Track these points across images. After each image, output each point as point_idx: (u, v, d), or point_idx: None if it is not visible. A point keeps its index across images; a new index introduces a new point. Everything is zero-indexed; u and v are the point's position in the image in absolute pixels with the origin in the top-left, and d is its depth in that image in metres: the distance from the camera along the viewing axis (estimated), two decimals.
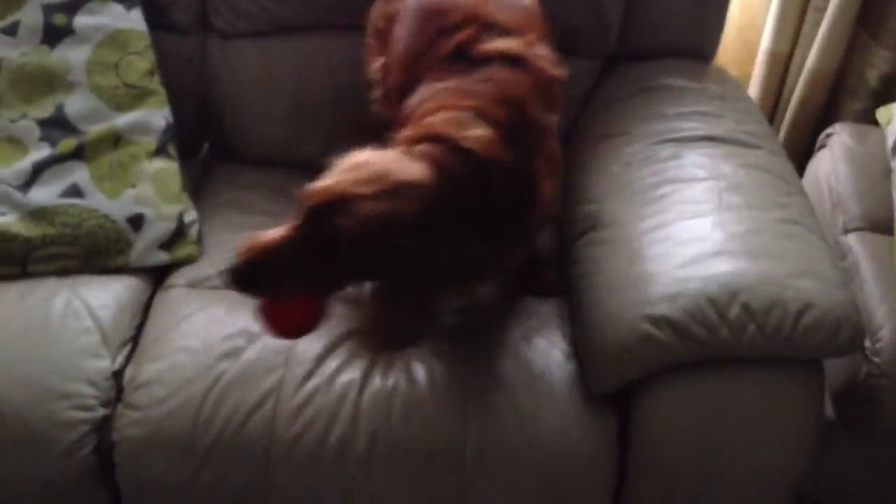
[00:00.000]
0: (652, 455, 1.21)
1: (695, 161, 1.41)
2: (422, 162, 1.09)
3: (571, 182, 1.53)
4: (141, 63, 1.56)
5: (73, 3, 1.53)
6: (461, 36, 1.26)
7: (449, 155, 1.11)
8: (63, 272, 1.45)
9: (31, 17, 1.52)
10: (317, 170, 1.10)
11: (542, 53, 1.27)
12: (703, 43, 1.70)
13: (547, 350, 1.32)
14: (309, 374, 1.32)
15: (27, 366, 1.31)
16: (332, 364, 1.33)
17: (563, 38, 1.63)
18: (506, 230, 1.17)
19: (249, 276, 1.08)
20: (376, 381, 1.30)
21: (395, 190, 1.06)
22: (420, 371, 1.30)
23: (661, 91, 1.57)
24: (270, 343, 1.35)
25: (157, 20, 1.63)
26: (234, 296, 1.38)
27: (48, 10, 1.52)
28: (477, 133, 1.12)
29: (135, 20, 1.57)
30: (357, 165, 1.08)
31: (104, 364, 1.34)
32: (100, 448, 1.31)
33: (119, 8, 1.55)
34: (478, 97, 1.17)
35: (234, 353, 1.33)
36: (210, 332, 1.37)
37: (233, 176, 1.72)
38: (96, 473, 1.32)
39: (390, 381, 1.29)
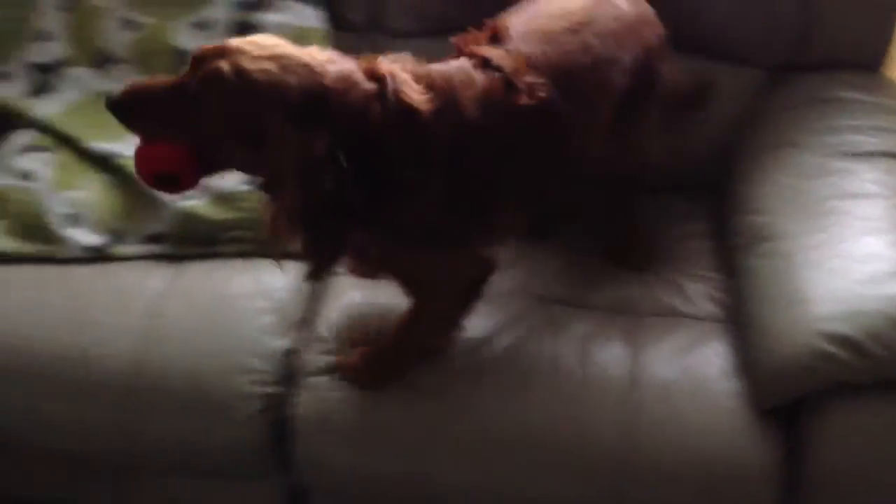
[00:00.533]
0: (825, 472, 1.22)
1: (869, 177, 1.39)
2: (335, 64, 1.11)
3: (736, 191, 1.53)
4: None
5: (261, 0, 1.63)
6: (469, 37, 1.29)
7: (361, 75, 1.11)
8: (245, 254, 1.53)
9: (220, 12, 1.62)
10: None
11: (523, 76, 1.22)
12: (875, 55, 1.66)
13: (711, 360, 1.34)
14: None
15: (214, 340, 1.41)
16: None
17: (731, 46, 1.64)
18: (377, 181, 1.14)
19: (126, 109, 1.10)
20: (541, 383, 1.34)
21: (287, 67, 1.07)
22: (588, 376, 1.34)
23: (833, 103, 1.55)
24: None
25: (333, 18, 1.71)
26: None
27: (237, 6, 1.62)
28: (402, 76, 1.14)
29: (317, 18, 1.65)
30: (266, 41, 1.10)
31: (282, 343, 1.43)
32: (275, 422, 1.40)
33: (302, 7, 1.64)
34: (429, 69, 1.20)
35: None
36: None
37: None
38: (271, 446, 1.41)
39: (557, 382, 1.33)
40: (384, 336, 1.39)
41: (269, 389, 1.39)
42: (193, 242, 1.52)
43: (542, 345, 1.39)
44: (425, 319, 1.37)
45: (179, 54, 1.62)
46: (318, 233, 1.14)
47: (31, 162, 1.57)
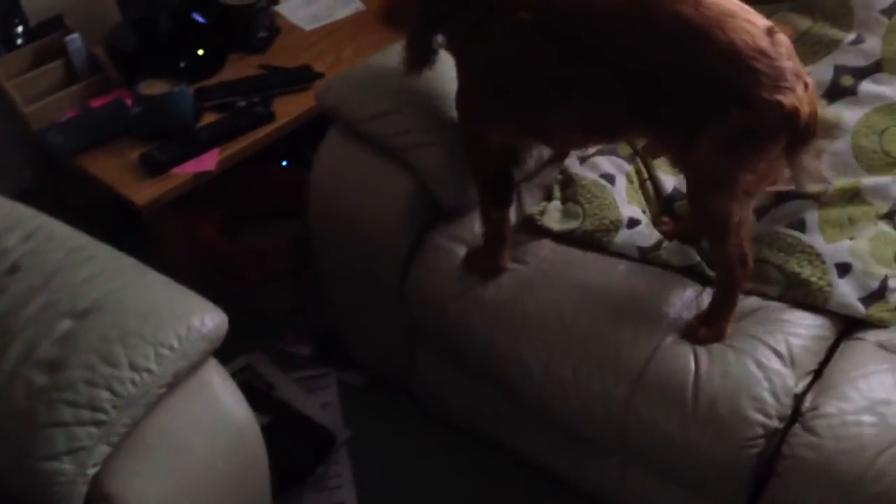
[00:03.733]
0: None
1: None
2: None
3: None
4: None
5: (864, 70, 1.71)
6: None
7: None
8: (761, 295, 1.63)
9: (822, 72, 1.72)
10: None
11: None
12: None
13: None
14: None
15: (729, 364, 1.51)
16: None
17: None
18: None
19: None
20: None
21: None
22: None
23: None
24: None
25: None
26: None
27: (839, 70, 1.71)
28: None
29: None
30: None
31: (789, 384, 1.50)
32: (764, 454, 1.48)
33: None
34: None
35: None
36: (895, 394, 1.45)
37: None
38: (748, 477, 1.49)
39: None
40: None
41: (769, 421, 1.47)
42: None
43: None
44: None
45: None
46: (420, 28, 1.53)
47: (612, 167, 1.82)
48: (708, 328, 1.56)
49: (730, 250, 1.51)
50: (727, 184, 1.43)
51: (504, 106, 1.56)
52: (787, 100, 1.35)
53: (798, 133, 1.40)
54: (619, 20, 1.39)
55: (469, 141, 1.66)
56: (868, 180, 1.66)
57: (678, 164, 1.57)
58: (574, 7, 1.43)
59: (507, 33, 1.47)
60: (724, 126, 1.36)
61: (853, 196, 1.66)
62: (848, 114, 1.69)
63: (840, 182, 1.67)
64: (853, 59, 1.72)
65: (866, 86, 1.70)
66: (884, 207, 1.66)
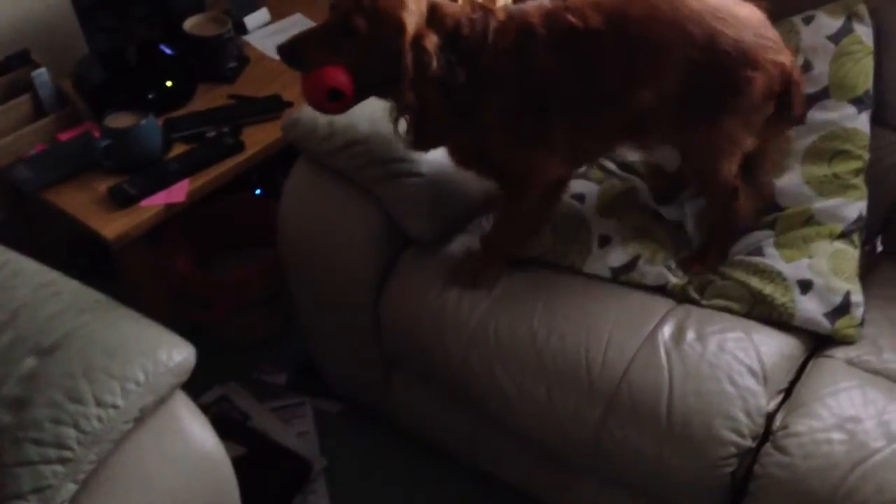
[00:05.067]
0: None
1: None
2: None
3: None
4: (853, 162, 1.71)
5: (813, 96, 1.73)
6: None
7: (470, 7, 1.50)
8: (728, 311, 1.64)
9: None
10: None
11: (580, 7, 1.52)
12: None
13: None
14: None
15: (703, 382, 1.52)
16: None
17: None
18: None
19: (291, 51, 1.46)
20: None
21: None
22: None
23: None
24: None
25: (880, 117, 1.76)
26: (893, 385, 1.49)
27: None
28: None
29: (862, 122, 1.72)
30: None
31: (762, 402, 1.51)
32: (738, 473, 1.48)
33: (851, 109, 1.72)
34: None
35: (890, 437, 1.41)
36: (865, 411, 1.46)
37: None
38: (725, 492, 1.50)
39: None
40: (482, 239, 1.74)
41: (742, 441, 1.48)
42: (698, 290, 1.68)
43: None
44: (514, 216, 1.67)
45: None
46: (427, 110, 1.49)
47: (583, 187, 1.84)
48: (701, 264, 1.71)
49: (732, 202, 1.68)
50: (737, 147, 1.60)
51: (552, 126, 1.57)
52: (786, 59, 1.57)
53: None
54: (653, 24, 1.51)
55: (529, 185, 1.64)
56: (820, 204, 1.70)
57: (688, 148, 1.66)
58: (610, 20, 1.51)
59: (547, 49, 1.51)
60: (748, 93, 1.53)
61: (807, 219, 1.70)
62: (798, 141, 1.73)
63: (793, 208, 1.71)
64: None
65: (814, 114, 1.73)
66: (838, 228, 1.69)
